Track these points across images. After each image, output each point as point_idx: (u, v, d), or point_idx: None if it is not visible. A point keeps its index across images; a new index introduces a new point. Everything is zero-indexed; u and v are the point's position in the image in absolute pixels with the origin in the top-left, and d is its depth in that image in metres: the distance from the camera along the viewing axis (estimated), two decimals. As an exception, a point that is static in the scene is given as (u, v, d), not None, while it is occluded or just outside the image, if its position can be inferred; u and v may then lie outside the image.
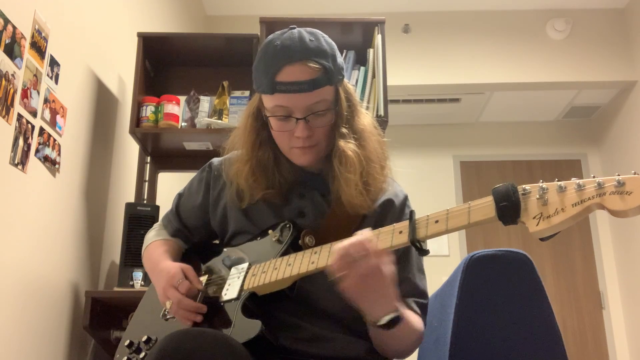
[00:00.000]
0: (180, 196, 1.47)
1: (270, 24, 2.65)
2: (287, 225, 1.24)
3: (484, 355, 1.24)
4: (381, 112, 2.45)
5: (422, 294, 1.27)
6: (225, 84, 2.67)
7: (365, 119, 1.32)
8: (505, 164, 5.28)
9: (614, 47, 4.51)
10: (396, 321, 1.08)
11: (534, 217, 0.90)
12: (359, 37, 2.69)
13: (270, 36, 1.26)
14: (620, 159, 4.83)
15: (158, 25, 3.31)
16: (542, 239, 0.92)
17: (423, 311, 1.25)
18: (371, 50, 2.57)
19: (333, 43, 1.27)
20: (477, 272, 1.27)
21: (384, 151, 1.31)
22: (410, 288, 1.24)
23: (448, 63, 4.49)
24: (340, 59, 1.27)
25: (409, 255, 1.27)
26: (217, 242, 1.42)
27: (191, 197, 1.43)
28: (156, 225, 1.51)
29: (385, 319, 1.07)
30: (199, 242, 1.46)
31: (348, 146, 1.24)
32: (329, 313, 1.21)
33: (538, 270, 1.26)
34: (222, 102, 2.64)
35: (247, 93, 2.65)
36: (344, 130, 1.26)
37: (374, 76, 2.53)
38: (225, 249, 1.35)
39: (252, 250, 1.27)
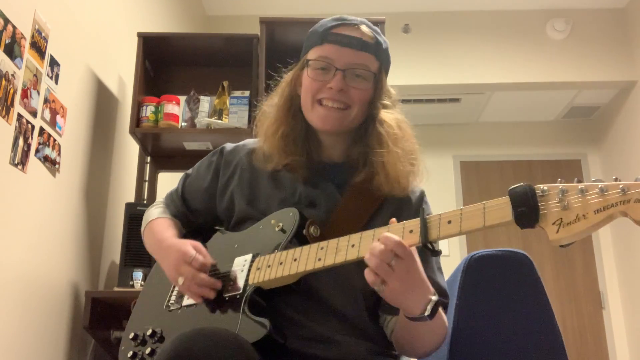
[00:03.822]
0: (187, 176, 1.46)
1: (270, 24, 2.65)
2: (291, 214, 1.20)
3: (484, 355, 1.23)
4: (381, 112, 2.44)
5: (445, 293, 1.24)
6: (225, 84, 2.67)
7: (406, 123, 1.31)
8: (505, 164, 5.27)
9: (614, 47, 4.51)
10: (437, 307, 1.05)
11: (554, 223, 0.85)
12: (359, 37, 2.69)
13: None
14: (620, 159, 4.83)
15: (158, 25, 3.31)
16: (561, 246, 0.87)
17: (445, 310, 1.22)
18: (371, 50, 2.57)
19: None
20: (477, 272, 1.27)
21: (416, 156, 1.30)
22: (434, 288, 1.20)
23: (448, 63, 4.49)
24: (389, 54, 1.32)
25: (427, 254, 1.26)
26: (218, 228, 1.39)
27: (198, 180, 1.41)
28: (159, 203, 1.49)
29: (429, 308, 1.03)
30: (200, 226, 1.43)
31: (389, 117, 1.26)
32: (336, 311, 1.19)
33: (538, 270, 1.26)
34: (222, 102, 2.64)
35: (247, 93, 2.65)
36: (387, 102, 1.29)
37: (374, 76, 2.53)
38: (225, 233, 1.33)
39: (255, 238, 1.24)
